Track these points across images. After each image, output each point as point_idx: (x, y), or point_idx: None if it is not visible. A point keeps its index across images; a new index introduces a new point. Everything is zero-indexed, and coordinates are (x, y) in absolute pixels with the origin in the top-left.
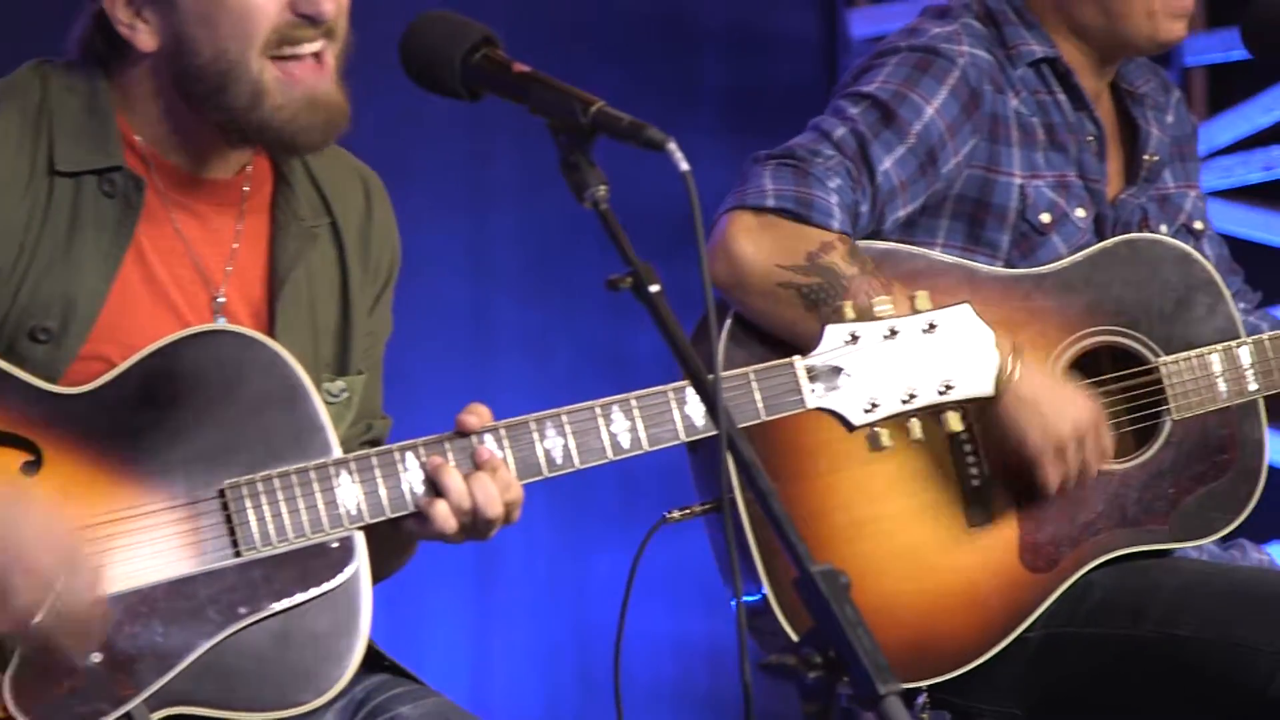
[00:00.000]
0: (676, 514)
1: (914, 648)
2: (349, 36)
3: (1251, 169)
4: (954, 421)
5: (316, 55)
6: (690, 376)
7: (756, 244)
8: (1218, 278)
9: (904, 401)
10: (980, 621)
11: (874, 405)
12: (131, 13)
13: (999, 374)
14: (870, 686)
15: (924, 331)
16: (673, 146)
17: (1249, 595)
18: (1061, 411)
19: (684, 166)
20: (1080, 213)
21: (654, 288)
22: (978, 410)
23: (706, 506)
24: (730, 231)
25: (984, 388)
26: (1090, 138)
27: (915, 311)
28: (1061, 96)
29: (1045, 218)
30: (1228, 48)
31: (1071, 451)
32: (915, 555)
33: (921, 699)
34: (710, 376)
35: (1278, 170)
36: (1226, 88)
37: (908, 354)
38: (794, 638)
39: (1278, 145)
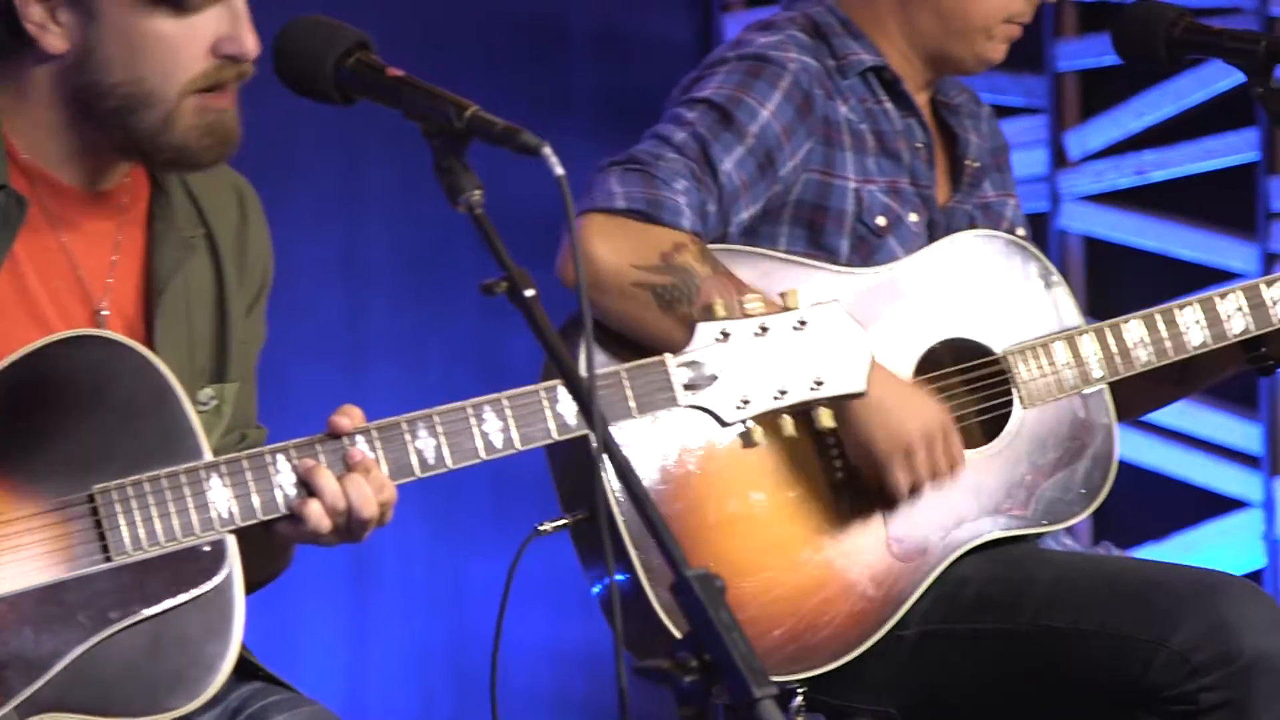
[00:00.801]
0: (548, 526)
1: (794, 641)
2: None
3: (1123, 173)
4: (825, 418)
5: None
6: (565, 379)
7: (610, 246)
8: (1052, 267)
9: (775, 398)
10: (856, 613)
11: (746, 402)
12: (46, 12)
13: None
14: (745, 690)
15: (794, 329)
16: (547, 151)
17: (1122, 586)
18: (909, 416)
19: (559, 170)
20: (914, 217)
21: (529, 292)
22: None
23: (579, 517)
24: (583, 235)
25: (855, 385)
26: (920, 145)
27: (786, 309)
28: (889, 105)
29: (881, 221)
30: (1099, 53)
31: (920, 457)
32: (786, 549)
33: (796, 702)
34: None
35: (1149, 174)
36: (1098, 93)
37: (779, 351)
38: (677, 635)
39: (1149, 150)
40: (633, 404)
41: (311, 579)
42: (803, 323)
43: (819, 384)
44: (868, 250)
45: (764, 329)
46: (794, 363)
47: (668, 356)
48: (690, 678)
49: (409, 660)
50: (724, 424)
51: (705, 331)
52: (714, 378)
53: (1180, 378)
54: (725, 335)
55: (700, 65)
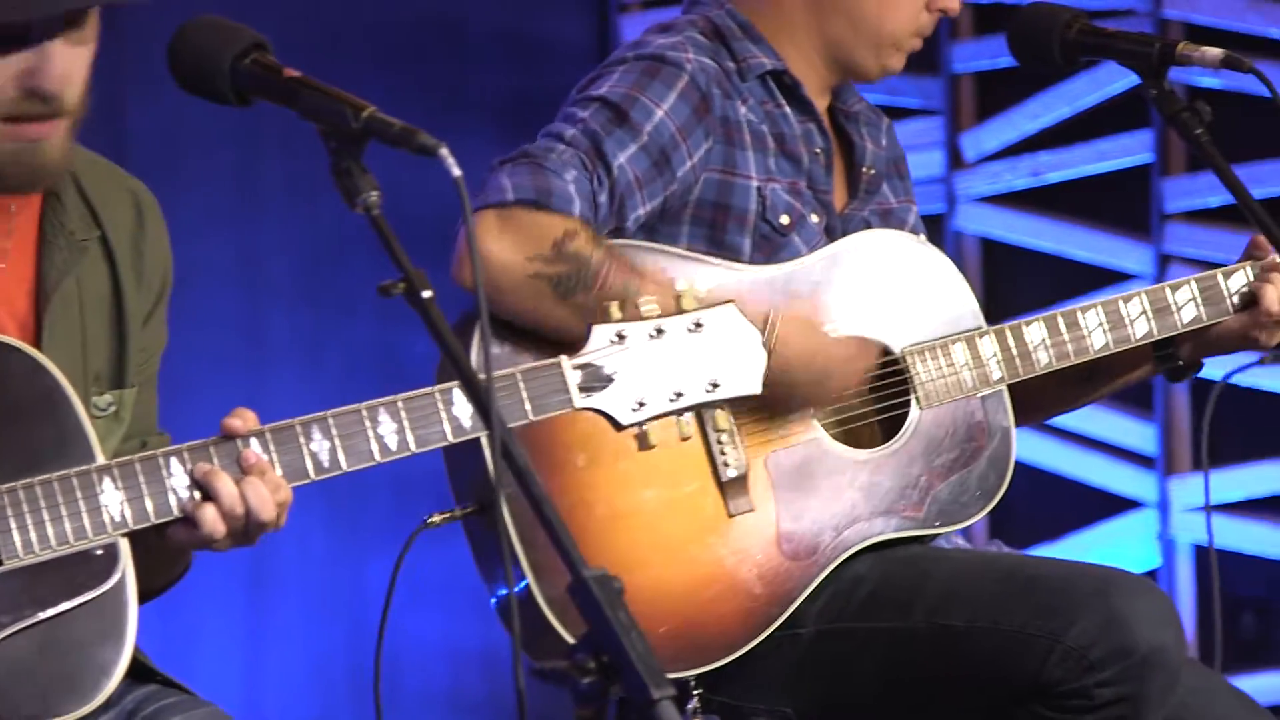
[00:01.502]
0: (438, 518)
1: (681, 637)
2: (86, 104)
3: (1019, 175)
4: (721, 420)
5: None
6: (463, 381)
7: (501, 241)
8: (954, 269)
9: (671, 400)
10: (744, 610)
11: (641, 404)
12: None
13: (764, 330)
14: (644, 691)
15: (690, 331)
16: (445, 152)
17: (1017, 583)
18: (830, 356)
19: (456, 172)
20: (814, 219)
21: (426, 293)
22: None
23: (469, 510)
24: (476, 233)
25: (751, 386)
26: (818, 150)
27: (681, 311)
28: (788, 109)
29: (785, 219)
30: (995, 55)
31: (846, 378)
32: (676, 546)
33: (692, 703)
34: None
35: (1045, 176)
36: (994, 95)
37: (674, 353)
38: (568, 638)
39: (1045, 151)
40: (528, 406)
41: (209, 581)
42: (698, 325)
43: (715, 386)
44: (771, 249)
45: (660, 331)
46: (690, 365)
47: (563, 359)
48: (588, 678)
49: (307, 662)
50: (620, 427)
51: (601, 333)
52: (610, 380)
53: (1088, 379)
54: (621, 337)
55: (598, 65)
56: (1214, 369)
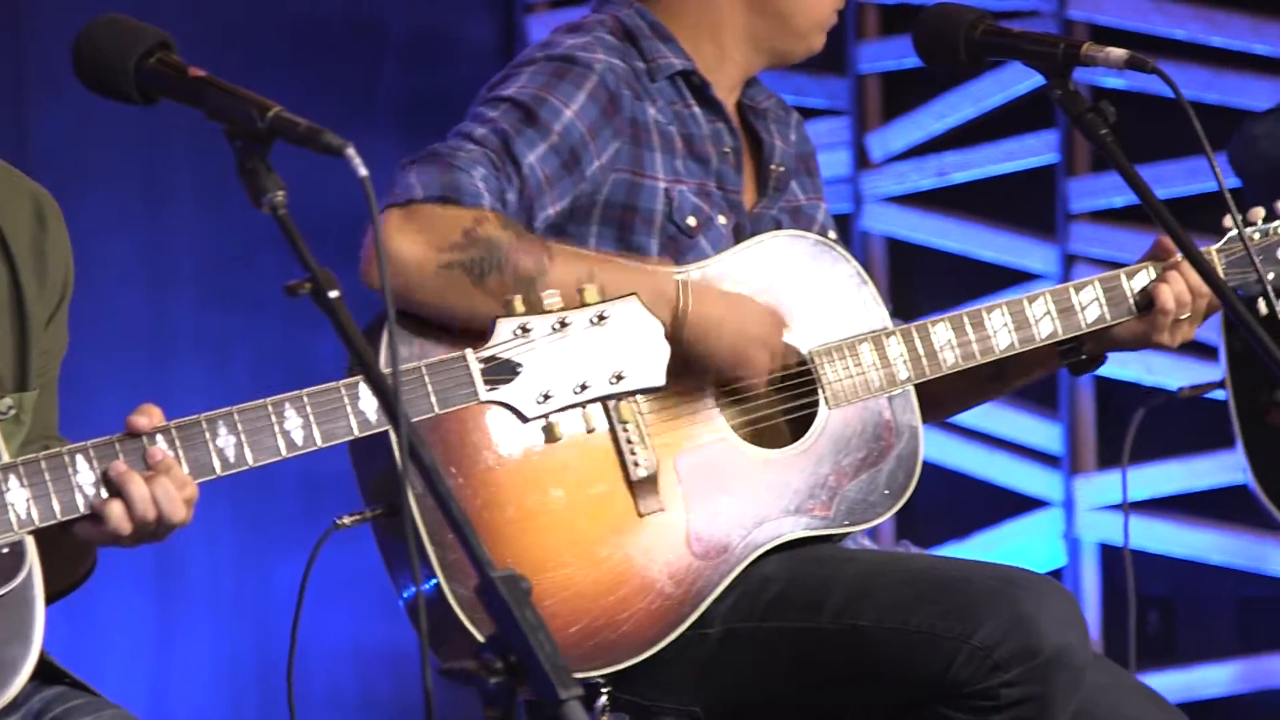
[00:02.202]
0: (348, 519)
1: (591, 637)
2: None
3: (925, 175)
4: (626, 412)
5: None
6: (371, 382)
7: (411, 237)
8: (861, 269)
9: (576, 393)
10: (655, 610)
11: (546, 397)
12: None
13: (673, 308)
14: (551, 691)
15: (593, 323)
16: (351, 152)
17: (925, 583)
18: (744, 317)
19: (362, 172)
20: (722, 220)
21: (333, 293)
22: (644, 396)
23: (378, 511)
24: (384, 231)
25: (655, 379)
26: (727, 150)
27: (584, 303)
28: (698, 110)
29: (692, 221)
30: (900, 55)
31: (764, 357)
32: (586, 545)
33: (601, 701)
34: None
35: (950, 176)
36: (900, 95)
37: (578, 346)
38: (478, 637)
39: (950, 151)
40: (434, 399)
41: (116, 583)
42: (602, 317)
43: (619, 378)
44: (678, 250)
45: (563, 324)
46: (594, 357)
47: (468, 352)
48: (496, 679)
49: (216, 664)
50: (525, 419)
51: (505, 327)
52: (515, 373)
53: (996, 375)
54: (525, 330)
55: (508, 65)
56: (1119, 368)
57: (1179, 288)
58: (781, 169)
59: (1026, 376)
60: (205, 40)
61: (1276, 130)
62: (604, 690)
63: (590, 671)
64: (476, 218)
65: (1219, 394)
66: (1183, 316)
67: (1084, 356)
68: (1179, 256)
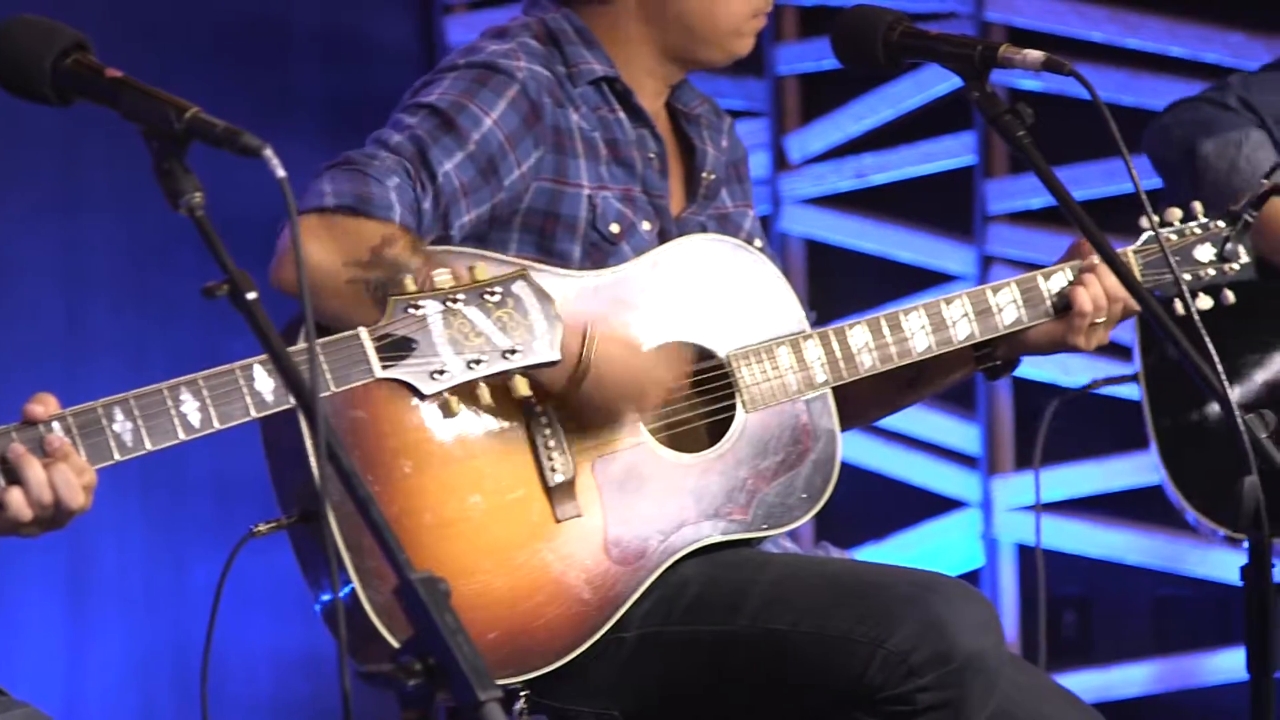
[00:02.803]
0: (263, 527)
1: (509, 643)
2: None
3: (843, 176)
4: (521, 386)
5: None
6: (291, 384)
7: (319, 245)
8: (779, 273)
9: (470, 368)
10: (572, 615)
11: (441, 373)
12: None
13: (573, 357)
14: (470, 693)
15: (485, 299)
16: (269, 153)
17: (842, 587)
18: (647, 375)
19: (281, 173)
20: (646, 226)
21: (250, 295)
22: (561, 407)
23: (294, 519)
24: (300, 238)
25: (549, 354)
26: (652, 155)
27: (475, 281)
28: (622, 115)
29: (615, 228)
30: (819, 57)
31: (662, 387)
32: (504, 552)
33: (519, 705)
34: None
35: (869, 178)
36: (818, 97)
37: (471, 322)
38: (394, 643)
39: (869, 153)
40: (329, 377)
41: (27, 583)
42: (493, 294)
43: (512, 353)
44: (601, 256)
45: (455, 300)
46: (486, 333)
47: (362, 330)
48: (414, 681)
49: (129, 665)
50: (422, 396)
51: (397, 305)
52: (409, 350)
53: (913, 381)
54: (417, 308)
55: (431, 70)
56: (1035, 369)
57: (1095, 290)
58: (713, 177)
59: (941, 382)
60: (122, 41)
61: (1184, 117)
62: (522, 694)
63: (508, 678)
64: (386, 236)
65: (1134, 395)
66: (1099, 320)
67: (998, 361)
68: (1096, 258)
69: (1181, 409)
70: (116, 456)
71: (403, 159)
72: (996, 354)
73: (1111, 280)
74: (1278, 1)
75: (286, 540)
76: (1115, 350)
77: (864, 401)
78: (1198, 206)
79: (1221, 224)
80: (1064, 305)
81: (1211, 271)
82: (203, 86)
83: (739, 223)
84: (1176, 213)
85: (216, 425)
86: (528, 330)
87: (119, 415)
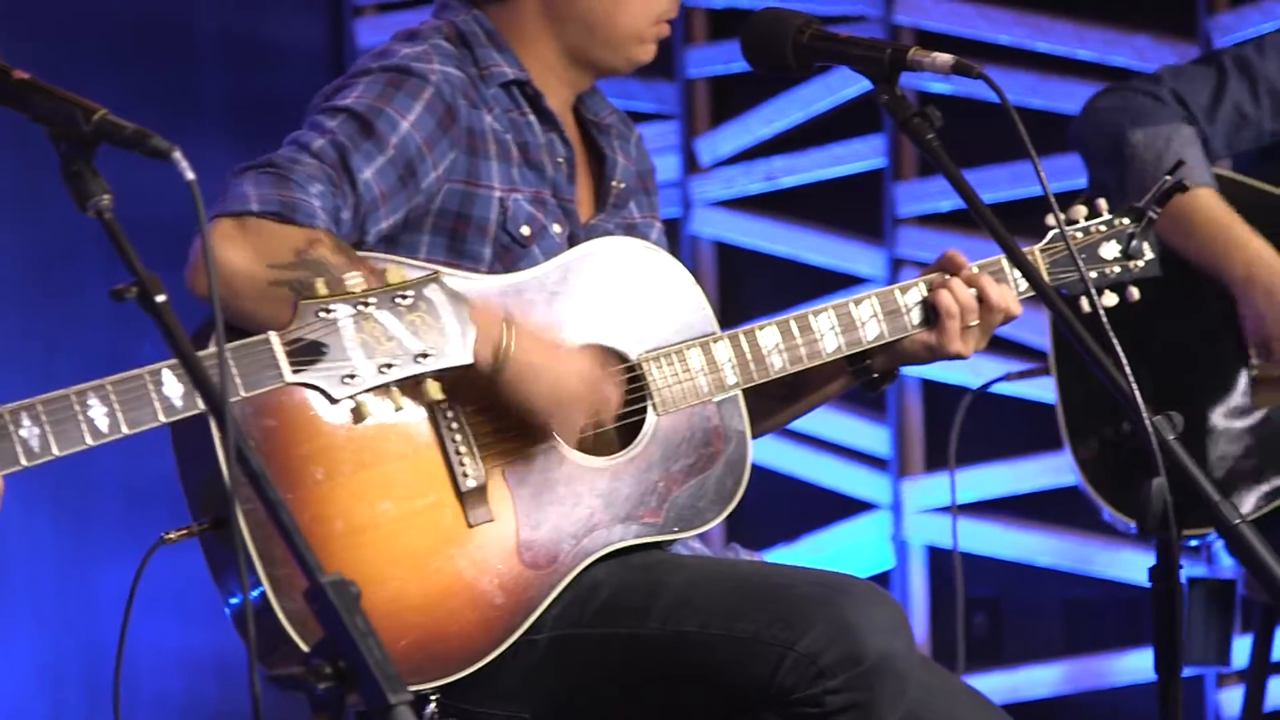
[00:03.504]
0: (174, 535)
1: (421, 650)
2: None
3: (753, 179)
4: (434, 390)
5: None
6: (200, 388)
7: (242, 249)
8: (689, 275)
9: (381, 372)
10: (485, 620)
11: (352, 377)
12: None
13: (495, 348)
14: (380, 697)
15: (397, 303)
16: (178, 155)
17: (751, 589)
18: (564, 369)
19: (190, 176)
20: (557, 229)
21: (160, 297)
22: (471, 406)
23: (204, 525)
24: (215, 239)
25: (461, 356)
26: (561, 159)
27: (387, 284)
28: (532, 118)
29: (526, 230)
30: (729, 60)
31: (582, 409)
32: (415, 558)
33: (430, 709)
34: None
35: (779, 180)
36: (728, 99)
37: (382, 326)
38: (304, 648)
39: (779, 156)
40: (239, 381)
41: None
42: (405, 298)
43: (425, 356)
44: (512, 259)
45: (366, 304)
46: (398, 337)
47: (272, 334)
48: (325, 685)
49: (41, 670)
50: (333, 400)
51: (308, 309)
52: (319, 354)
53: (786, 396)
54: (328, 312)
55: (345, 73)
56: (946, 371)
57: (956, 290)
58: (622, 186)
59: (815, 396)
60: (24, 40)
61: (1117, 104)
62: (433, 699)
63: (421, 684)
64: (310, 238)
65: (1045, 397)
66: (971, 323)
67: (875, 374)
68: (970, 267)
69: (1093, 405)
70: (23, 462)
71: (325, 165)
72: (874, 365)
73: (994, 289)
74: (1184, 5)
75: (198, 544)
76: (1027, 352)
77: (759, 409)
78: (1102, 203)
79: (1126, 221)
80: (935, 312)
81: (1117, 269)
82: (108, 88)
83: (645, 234)
84: (1082, 210)
85: (125, 430)
86: (440, 333)
87: (25, 421)
